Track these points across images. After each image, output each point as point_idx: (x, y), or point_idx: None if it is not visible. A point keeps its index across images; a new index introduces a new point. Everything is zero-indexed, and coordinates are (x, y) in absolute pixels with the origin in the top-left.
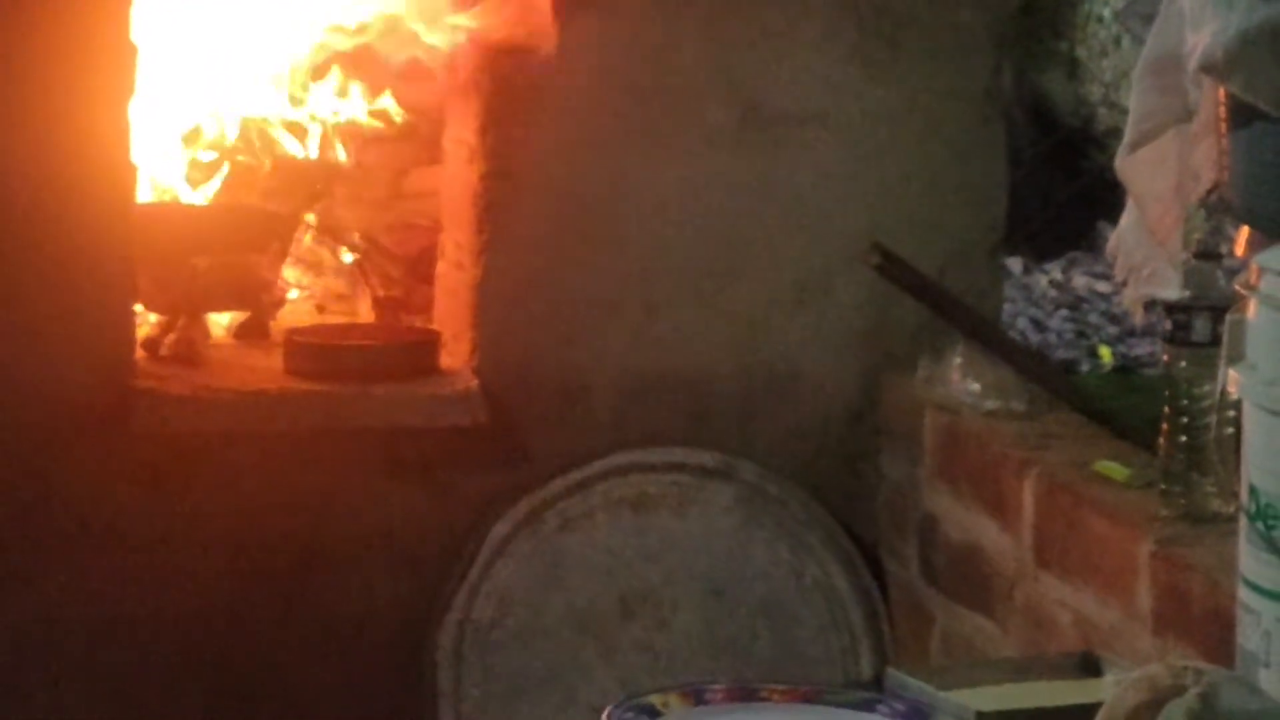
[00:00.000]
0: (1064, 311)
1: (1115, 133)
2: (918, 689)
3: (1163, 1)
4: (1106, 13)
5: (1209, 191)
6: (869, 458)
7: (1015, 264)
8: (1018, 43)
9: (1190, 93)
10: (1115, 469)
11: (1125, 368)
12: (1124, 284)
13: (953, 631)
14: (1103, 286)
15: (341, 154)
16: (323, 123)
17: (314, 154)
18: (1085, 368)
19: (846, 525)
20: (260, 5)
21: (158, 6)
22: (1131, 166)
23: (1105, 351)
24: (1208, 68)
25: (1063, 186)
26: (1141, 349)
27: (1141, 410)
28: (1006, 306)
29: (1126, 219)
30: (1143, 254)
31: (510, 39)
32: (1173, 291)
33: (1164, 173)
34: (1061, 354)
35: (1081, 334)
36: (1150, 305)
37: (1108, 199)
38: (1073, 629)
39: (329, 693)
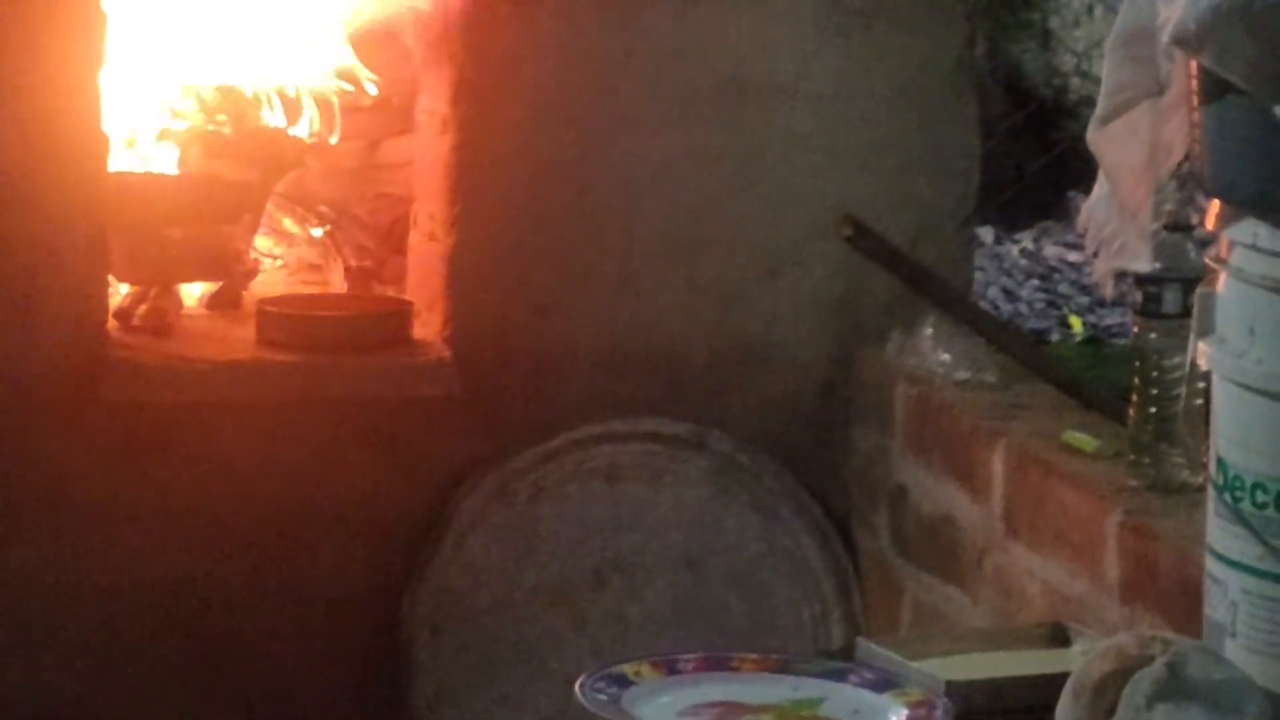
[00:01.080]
0: (1035, 281)
1: (1088, 102)
2: (887, 659)
3: None
4: None
5: (1180, 164)
6: (840, 429)
7: (987, 234)
8: (990, 13)
9: (1162, 66)
10: (1085, 440)
11: (1096, 338)
12: (1095, 256)
13: (923, 601)
14: (1074, 256)
15: (315, 124)
16: (296, 93)
17: (287, 124)
18: (1056, 338)
19: (818, 496)
20: None
21: None
22: (1103, 139)
23: (1076, 321)
24: (1180, 41)
25: (1035, 156)
26: (1112, 319)
27: (1111, 381)
28: (978, 276)
29: (1097, 192)
30: (1113, 227)
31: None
32: (1143, 264)
33: (1136, 146)
34: (1032, 324)
35: (1052, 304)
36: (1121, 277)
37: (1080, 169)
38: (1042, 599)
39: (302, 663)
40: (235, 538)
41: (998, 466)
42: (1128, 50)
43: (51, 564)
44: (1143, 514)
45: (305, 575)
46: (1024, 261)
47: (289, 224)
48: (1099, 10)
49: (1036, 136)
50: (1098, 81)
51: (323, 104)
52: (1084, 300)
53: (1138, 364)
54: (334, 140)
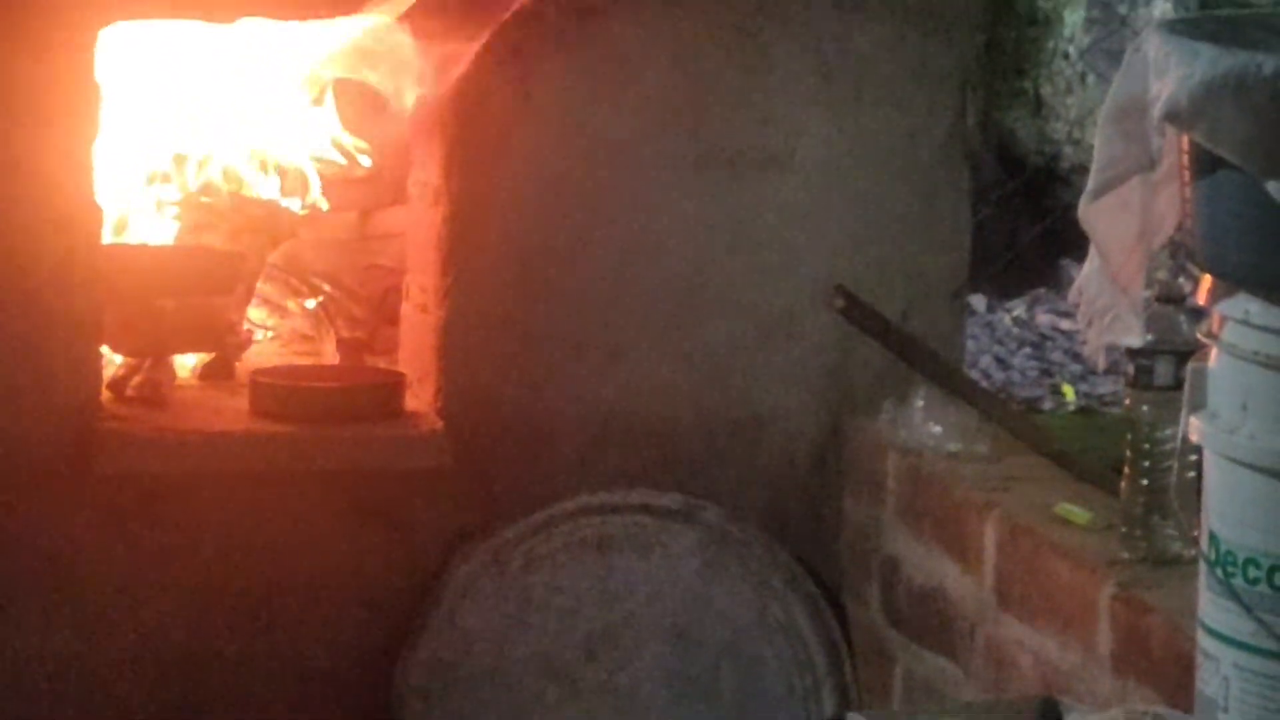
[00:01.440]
0: (1027, 349)
1: (1080, 170)
2: None
3: (1127, 48)
4: (1071, 50)
5: (1172, 238)
6: (832, 500)
7: (979, 302)
8: (982, 81)
9: (1154, 140)
10: (1077, 512)
11: (1088, 407)
12: (1088, 329)
13: (915, 673)
14: (1066, 324)
15: (307, 195)
16: (289, 164)
17: (279, 195)
18: (1048, 406)
19: (809, 567)
20: (225, 45)
21: (123, 46)
22: (1094, 214)
23: (1068, 390)
24: (1171, 116)
25: (1027, 224)
26: (1105, 387)
27: (1103, 453)
28: (970, 344)
29: (1089, 266)
30: (1105, 300)
31: (474, 81)
32: (1135, 339)
33: (1127, 220)
34: (1025, 392)
35: (1045, 372)
36: (1112, 349)
37: (1072, 237)
38: (1033, 671)
39: None
40: (229, 608)
41: (989, 538)
42: (1119, 125)
43: (46, 636)
44: (1135, 586)
45: (298, 645)
46: (1016, 329)
47: (282, 295)
48: (1091, 78)
49: (1029, 204)
50: (1090, 150)
51: (315, 175)
52: (1077, 369)
53: (1129, 436)
54: (326, 208)
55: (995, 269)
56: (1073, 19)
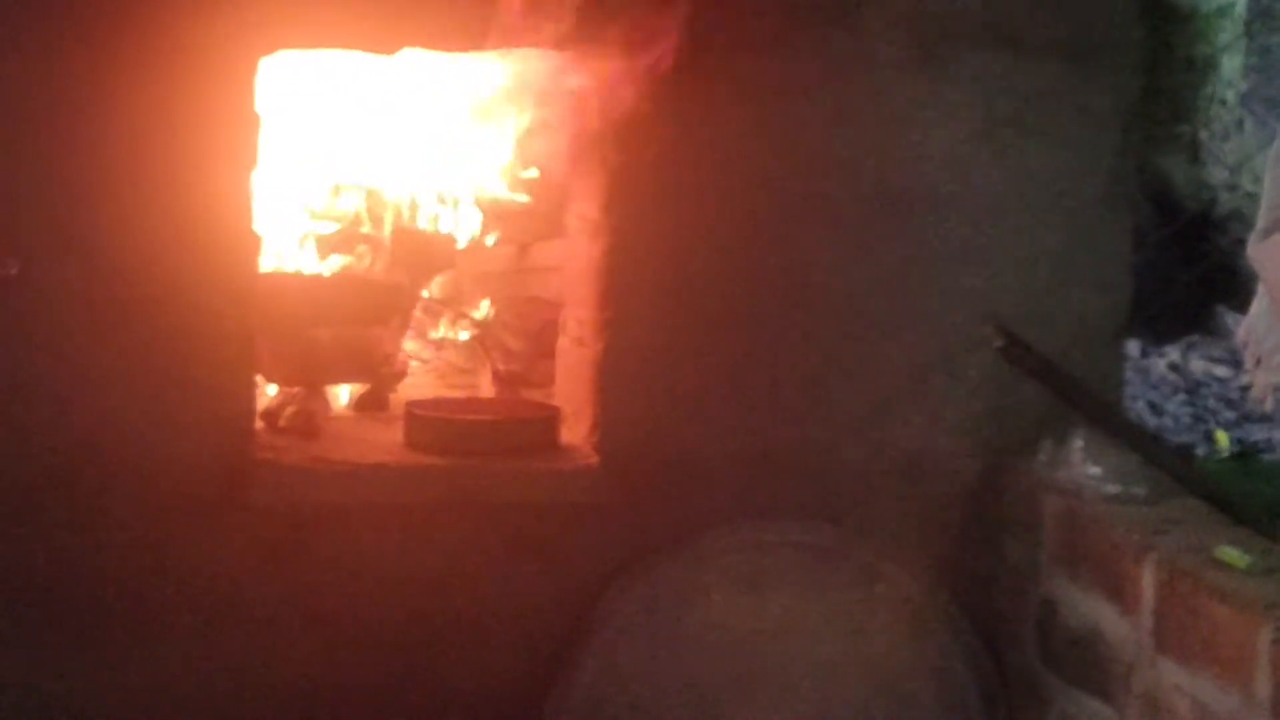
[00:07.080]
0: (1181, 395)
1: (1237, 216)
2: None
3: None
4: (1230, 95)
5: None
6: (988, 540)
7: (1133, 346)
8: (1139, 125)
9: None
10: (1236, 556)
11: (1245, 453)
12: (1255, 368)
13: (1070, 716)
14: (1221, 371)
15: (467, 228)
16: (448, 196)
17: (438, 227)
18: (1202, 452)
19: (964, 606)
20: (385, 76)
21: (283, 77)
22: (1264, 252)
23: (1222, 436)
24: None
25: (1181, 269)
26: (1259, 434)
27: (1262, 497)
28: (1124, 389)
29: (1257, 305)
30: (1274, 340)
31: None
32: None
33: None
34: (1178, 438)
35: (1198, 418)
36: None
37: (1227, 283)
38: (1191, 715)
39: None
40: (375, 643)
41: (1147, 581)
42: None
43: (194, 664)
44: None
45: (448, 680)
46: (1171, 375)
47: (438, 327)
48: (1250, 123)
49: (1184, 250)
50: (1247, 196)
51: (476, 207)
52: (1230, 415)
53: None
54: (491, 242)
55: (1150, 314)
56: (1232, 65)
